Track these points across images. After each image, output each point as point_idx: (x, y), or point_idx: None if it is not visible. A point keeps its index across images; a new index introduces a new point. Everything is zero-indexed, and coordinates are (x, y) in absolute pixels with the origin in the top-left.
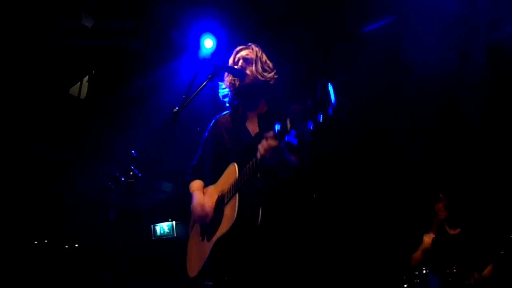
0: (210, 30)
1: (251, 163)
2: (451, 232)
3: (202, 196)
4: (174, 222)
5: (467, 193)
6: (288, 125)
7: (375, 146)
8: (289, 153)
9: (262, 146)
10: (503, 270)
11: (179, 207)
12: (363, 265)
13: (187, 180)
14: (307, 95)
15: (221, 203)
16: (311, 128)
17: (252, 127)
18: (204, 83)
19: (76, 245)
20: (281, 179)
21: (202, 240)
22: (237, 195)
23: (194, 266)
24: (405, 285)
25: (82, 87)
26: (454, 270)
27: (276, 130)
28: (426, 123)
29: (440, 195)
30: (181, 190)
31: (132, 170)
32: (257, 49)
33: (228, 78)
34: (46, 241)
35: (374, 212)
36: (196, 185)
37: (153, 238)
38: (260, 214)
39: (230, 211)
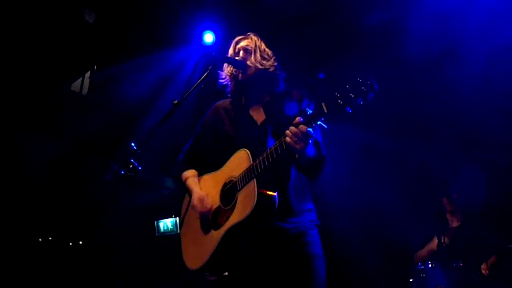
0: (210, 24)
1: (274, 147)
2: (454, 225)
3: (200, 190)
4: (177, 218)
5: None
6: (325, 109)
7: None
8: (313, 140)
9: (291, 131)
10: (509, 263)
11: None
12: (370, 260)
13: (179, 166)
14: (343, 79)
15: (232, 189)
16: (350, 111)
17: (257, 115)
18: (205, 75)
19: (80, 242)
20: (300, 166)
21: (206, 229)
22: (254, 181)
23: (195, 257)
24: (411, 280)
25: (84, 83)
26: (461, 265)
27: (308, 113)
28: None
29: (451, 187)
30: (173, 177)
31: (132, 163)
32: (256, 38)
33: (228, 69)
34: (50, 238)
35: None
36: (190, 174)
37: (156, 234)
38: (276, 199)
39: (247, 197)
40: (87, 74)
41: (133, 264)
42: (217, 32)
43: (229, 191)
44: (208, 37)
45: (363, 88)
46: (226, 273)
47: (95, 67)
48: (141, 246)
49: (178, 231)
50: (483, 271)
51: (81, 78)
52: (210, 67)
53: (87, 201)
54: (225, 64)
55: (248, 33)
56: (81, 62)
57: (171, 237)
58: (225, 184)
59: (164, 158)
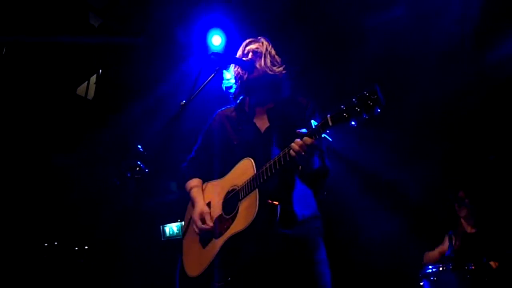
0: (219, 26)
1: (277, 158)
2: (469, 230)
3: (204, 203)
4: (183, 223)
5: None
6: (330, 122)
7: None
8: (318, 152)
9: (296, 144)
10: None
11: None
12: (379, 262)
13: (184, 174)
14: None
15: (234, 198)
16: (355, 125)
17: (261, 122)
18: (212, 75)
19: (86, 247)
20: (303, 177)
21: (207, 237)
22: (256, 190)
23: (195, 264)
24: (421, 283)
25: (89, 88)
26: (473, 267)
27: (313, 125)
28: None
29: (460, 193)
30: (178, 185)
31: (138, 166)
32: (266, 42)
33: (235, 69)
34: (56, 243)
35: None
36: (194, 184)
37: (162, 239)
38: (279, 211)
39: (249, 207)
40: (93, 79)
41: (140, 269)
42: (226, 35)
43: (231, 200)
44: (216, 40)
45: (369, 102)
46: (229, 279)
47: (100, 71)
48: (147, 251)
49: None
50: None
51: (86, 83)
52: (217, 67)
53: (92, 205)
54: (232, 65)
55: (259, 37)
56: (86, 66)
57: (177, 241)
58: (228, 193)
59: (169, 161)
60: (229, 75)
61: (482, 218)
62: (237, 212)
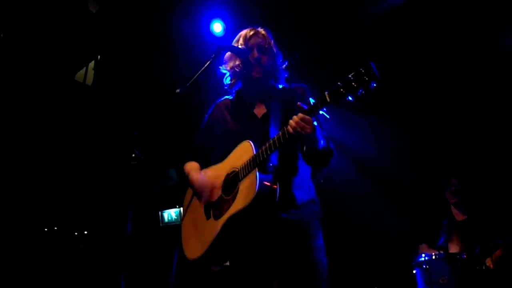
0: (220, 16)
1: (276, 137)
2: (459, 218)
3: (203, 174)
4: (181, 209)
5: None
6: (327, 98)
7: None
8: (325, 133)
9: (293, 121)
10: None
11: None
12: (373, 251)
13: (183, 161)
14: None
15: (234, 179)
16: (352, 100)
17: (258, 110)
18: (208, 63)
19: (85, 232)
20: (307, 156)
21: (206, 219)
22: (256, 170)
23: (195, 247)
24: (414, 271)
25: (87, 73)
26: (465, 256)
27: (311, 103)
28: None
29: (453, 180)
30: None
31: (134, 153)
32: (268, 36)
33: (236, 62)
34: (55, 228)
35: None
36: (191, 165)
37: (161, 225)
38: (278, 190)
39: (249, 187)
40: (91, 64)
41: (138, 254)
42: (226, 22)
43: (231, 181)
44: (217, 27)
45: (365, 77)
46: (227, 263)
47: (99, 56)
48: (146, 236)
49: None
50: (487, 264)
51: (84, 68)
52: (213, 55)
53: (91, 191)
54: (229, 56)
55: (260, 28)
56: (85, 51)
57: (176, 227)
58: (227, 175)
59: (167, 148)
60: (227, 66)
61: (473, 206)
62: (237, 192)
